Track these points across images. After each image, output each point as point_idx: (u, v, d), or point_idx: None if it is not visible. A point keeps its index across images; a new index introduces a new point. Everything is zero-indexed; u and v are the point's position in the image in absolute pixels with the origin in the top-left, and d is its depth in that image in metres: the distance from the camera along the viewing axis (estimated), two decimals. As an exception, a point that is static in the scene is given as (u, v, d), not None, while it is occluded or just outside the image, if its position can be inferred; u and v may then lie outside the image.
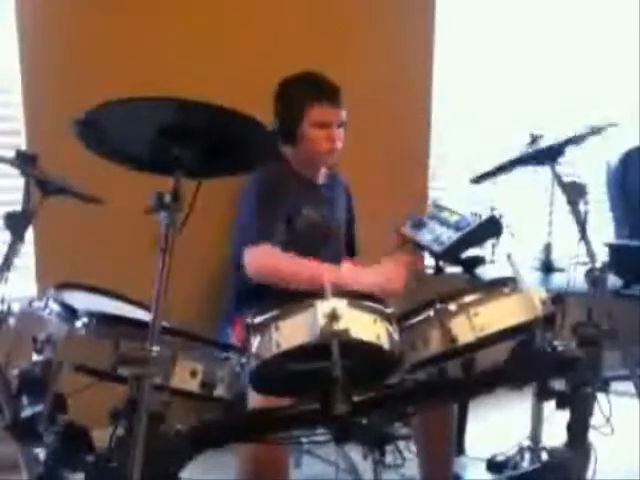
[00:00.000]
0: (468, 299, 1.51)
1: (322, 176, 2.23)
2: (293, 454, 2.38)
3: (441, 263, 2.46)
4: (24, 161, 1.64)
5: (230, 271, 2.17)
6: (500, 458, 2.24)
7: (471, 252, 2.42)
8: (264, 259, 1.96)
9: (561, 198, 1.72)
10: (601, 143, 2.18)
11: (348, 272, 1.90)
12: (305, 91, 2.10)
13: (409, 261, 2.02)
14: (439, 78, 2.92)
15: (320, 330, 1.31)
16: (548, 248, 2.51)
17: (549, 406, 1.63)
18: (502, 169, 1.78)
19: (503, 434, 1.99)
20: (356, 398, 1.37)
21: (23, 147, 2.39)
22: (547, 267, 2.50)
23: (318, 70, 2.12)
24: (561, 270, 2.39)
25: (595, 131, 1.70)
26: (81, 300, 1.56)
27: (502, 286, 1.54)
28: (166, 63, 2.48)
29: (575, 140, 1.71)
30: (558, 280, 2.31)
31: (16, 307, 1.55)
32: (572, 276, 1.72)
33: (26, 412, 1.45)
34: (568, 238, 1.80)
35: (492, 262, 2.36)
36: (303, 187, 2.17)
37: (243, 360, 1.43)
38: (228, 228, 2.26)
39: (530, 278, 2.32)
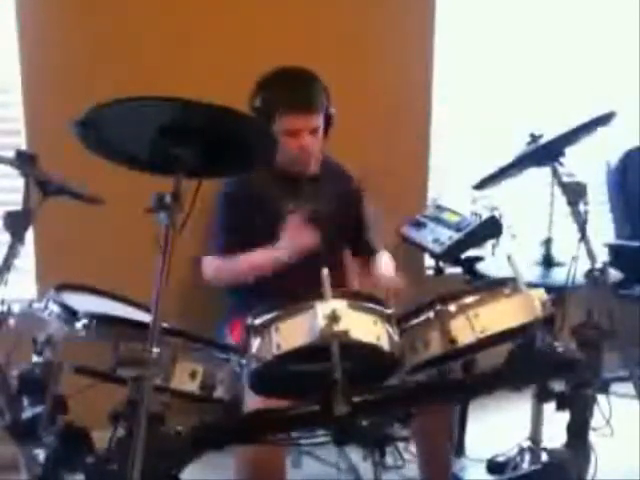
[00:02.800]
0: (468, 300, 1.50)
1: (311, 170, 2.16)
2: (293, 455, 2.38)
3: (441, 263, 2.47)
4: (24, 161, 1.64)
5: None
6: (500, 459, 2.24)
7: (471, 252, 2.43)
8: (209, 272, 2.14)
9: (561, 198, 1.72)
10: (601, 143, 2.19)
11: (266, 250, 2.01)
12: (275, 96, 2.02)
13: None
14: (439, 78, 2.91)
15: (320, 331, 1.30)
16: (548, 242, 2.50)
17: (549, 407, 1.63)
18: (504, 174, 1.77)
19: (503, 435, 1.99)
20: (356, 399, 1.37)
21: (23, 147, 2.39)
22: (547, 262, 2.49)
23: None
24: (561, 264, 2.37)
25: (594, 123, 1.69)
26: (81, 301, 1.56)
27: (502, 287, 1.54)
28: (166, 63, 2.47)
29: (574, 134, 1.70)
30: (558, 275, 2.30)
31: (16, 308, 1.54)
32: (572, 274, 1.71)
33: (26, 413, 1.44)
34: (568, 238, 1.80)
35: (492, 262, 2.37)
36: (284, 182, 2.12)
37: (243, 361, 1.43)
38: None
39: (530, 273, 2.32)
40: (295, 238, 1.97)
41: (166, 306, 1.28)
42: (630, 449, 2.31)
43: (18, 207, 1.61)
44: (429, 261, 2.61)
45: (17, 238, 1.58)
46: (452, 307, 1.49)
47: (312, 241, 1.96)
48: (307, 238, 1.96)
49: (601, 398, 1.64)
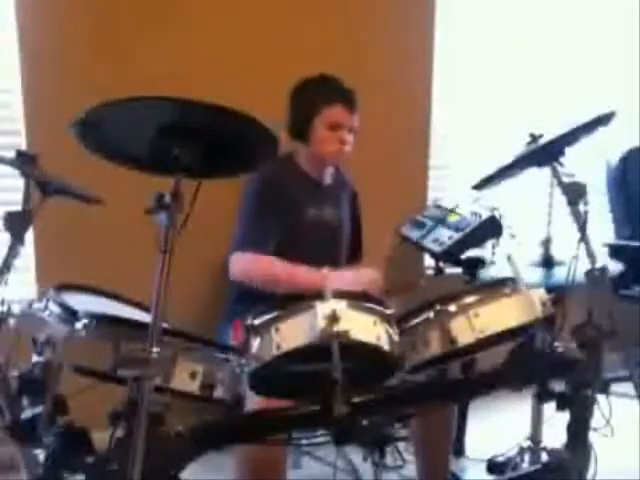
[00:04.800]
0: (468, 300, 1.50)
1: (328, 176, 2.24)
2: (293, 455, 2.38)
3: (441, 264, 2.47)
4: (24, 161, 1.64)
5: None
6: (500, 459, 2.24)
7: (472, 252, 2.42)
8: (243, 265, 2.00)
9: (561, 198, 1.72)
10: (601, 143, 2.18)
11: (328, 276, 1.80)
12: (322, 91, 2.12)
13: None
14: (439, 78, 2.92)
15: (320, 331, 1.30)
16: (547, 242, 2.50)
17: (549, 407, 1.63)
18: (503, 174, 1.77)
19: (503, 435, 1.99)
20: (356, 399, 1.37)
21: (23, 147, 2.39)
22: (547, 262, 2.49)
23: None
24: (561, 264, 2.38)
25: (594, 123, 1.69)
26: (81, 301, 1.56)
27: (502, 287, 1.54)
28: (166, 63, 2.48)
29: (574, 134, 1.70)
30: (558, 275, 2.31)
31: (16, 308, 1.55)
32: (572, 274, 1.71)
33: (26, 413, 1.45)
34: (568, 237, 1.80)
35: (492, 263, 2.36)
36: (308, 187, 2.17)
37: (243, 362, 1.43)
38: (229, 228, 2.25)
39: (529, 273, 2.32)
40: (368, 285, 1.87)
41: (167, 306, 1.28)
42: (630, 449, 2.31)
43: (18, 207, 1.61)
44: (429, 261, 2.60)
45: (17, 238, 1.59)
46: (452, 307, 1.49)
47: (372, 283, 1.89)
48: (368, 280, 1.91)
49: (601, 398, 1.63)
